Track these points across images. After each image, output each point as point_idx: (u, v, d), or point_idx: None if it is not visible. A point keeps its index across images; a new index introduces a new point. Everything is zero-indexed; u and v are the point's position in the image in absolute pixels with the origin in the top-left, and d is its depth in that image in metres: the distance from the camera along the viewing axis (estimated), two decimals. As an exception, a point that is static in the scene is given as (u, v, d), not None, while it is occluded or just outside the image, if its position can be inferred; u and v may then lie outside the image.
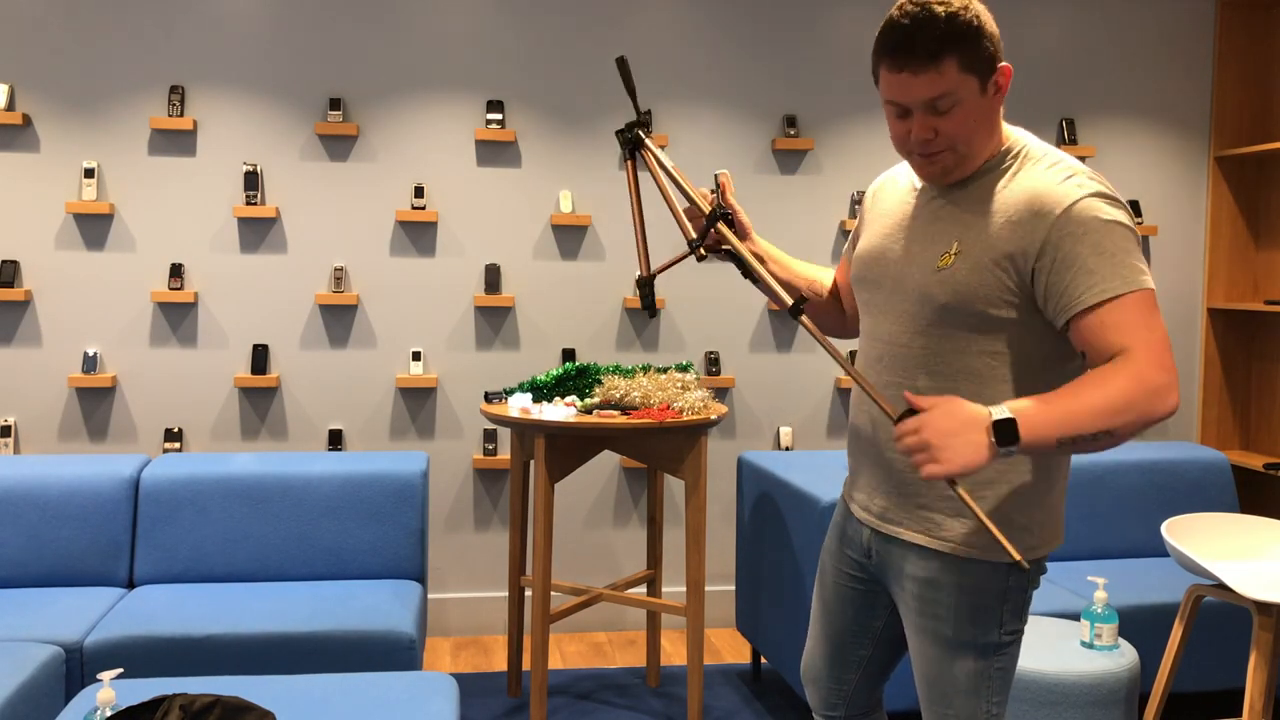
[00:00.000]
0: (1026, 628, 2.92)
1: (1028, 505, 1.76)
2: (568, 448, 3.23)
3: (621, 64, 1.85)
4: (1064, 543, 1.81)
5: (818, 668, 2.03)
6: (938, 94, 1.64)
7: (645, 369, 3.41)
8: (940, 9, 1.62)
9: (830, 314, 2.08)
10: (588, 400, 3.29)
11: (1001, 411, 1.57)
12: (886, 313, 1.80)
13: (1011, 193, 1.69)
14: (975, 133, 1.69)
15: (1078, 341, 1.65)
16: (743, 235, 1.96)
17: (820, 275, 2.08)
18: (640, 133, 1.90)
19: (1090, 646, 2.75)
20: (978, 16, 1.64)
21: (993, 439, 1.56)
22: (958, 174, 1.74)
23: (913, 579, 1.79)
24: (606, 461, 4.24)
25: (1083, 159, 4.46)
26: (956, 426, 1.56)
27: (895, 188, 1.90)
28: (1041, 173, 1.69)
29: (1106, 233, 1.62)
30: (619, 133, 1.91)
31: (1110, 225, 1.63)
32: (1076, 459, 3.78)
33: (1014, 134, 1.77)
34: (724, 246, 1.90)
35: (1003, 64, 1.68)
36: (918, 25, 1.62)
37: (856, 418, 1.89)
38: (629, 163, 1.94)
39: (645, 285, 1.97)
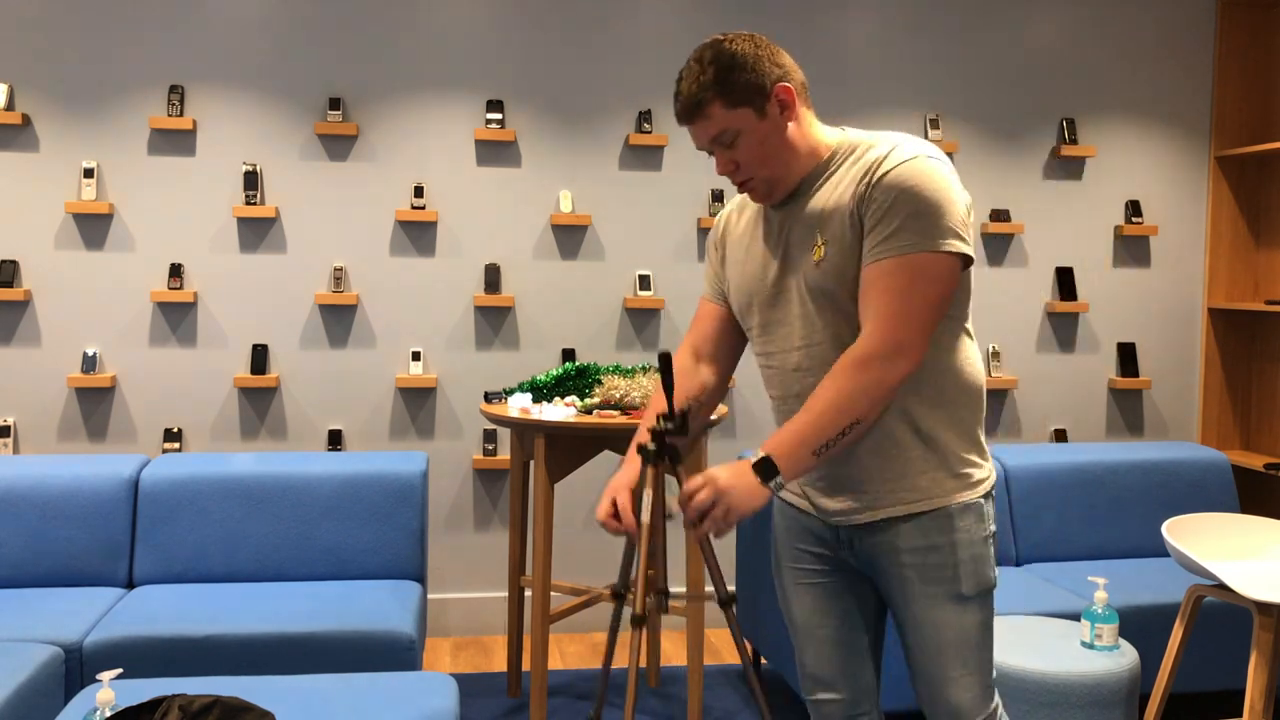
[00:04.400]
0: (1025, 626, 2.92)
1: (962, 445, 1.84)
2: (567, 448, 3.23)
3: (664, 360, 1.82)
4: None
5: (831, 673, 1.99)
6: (715, 134, 1.78)
7: (645, 369, 3.41)
8: (697, 62, 1.76)
9: (717, 390, 2.05)
10: (588, 400, 3.29)
11: (756, 455, 1.72)
12: (787, 324, 1.86)
13: (849, 178, 1.77)
14: (773, 155, 1.79)
15: (858, 294, 1.76)
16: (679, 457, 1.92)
17: (702, 381, 2.03)
18: (669, 450, 1.85)
19: (1090, 647, 2.75)
20: (734, 54, 1.74)
21: (759, 478, 1.70)
22: (780, 192, 1.83)
23: (909, 551, 1.83)
24: (606, 461, 4.24)
25: (1083, 159, 4.46)
26: (732, 479, 1.70)
27: (740, 218, 1.98)
28: (867, 152, 1.78)
29: (901, 197, 1.70)
30: (653, 437, 1.83)
31: (907, 190, 1.70)
32: (1077, 459, 3.78)
33: (845, 134, 1.84)
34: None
35: (779, 84, 1.76)
36: (683, 83, 1.78)
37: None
38: (651, 469, 1.87)
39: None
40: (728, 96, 1.75)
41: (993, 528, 1.88)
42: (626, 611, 4.52)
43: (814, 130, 1.83)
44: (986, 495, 1.86)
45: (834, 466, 1.87)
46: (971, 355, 1.86)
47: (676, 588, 4.29)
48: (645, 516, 2.13)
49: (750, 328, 1.94)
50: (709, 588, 3.99)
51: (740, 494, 1.70)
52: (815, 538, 1.95)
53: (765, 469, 1.71)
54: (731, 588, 4.35)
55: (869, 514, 1.85)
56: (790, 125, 1.79)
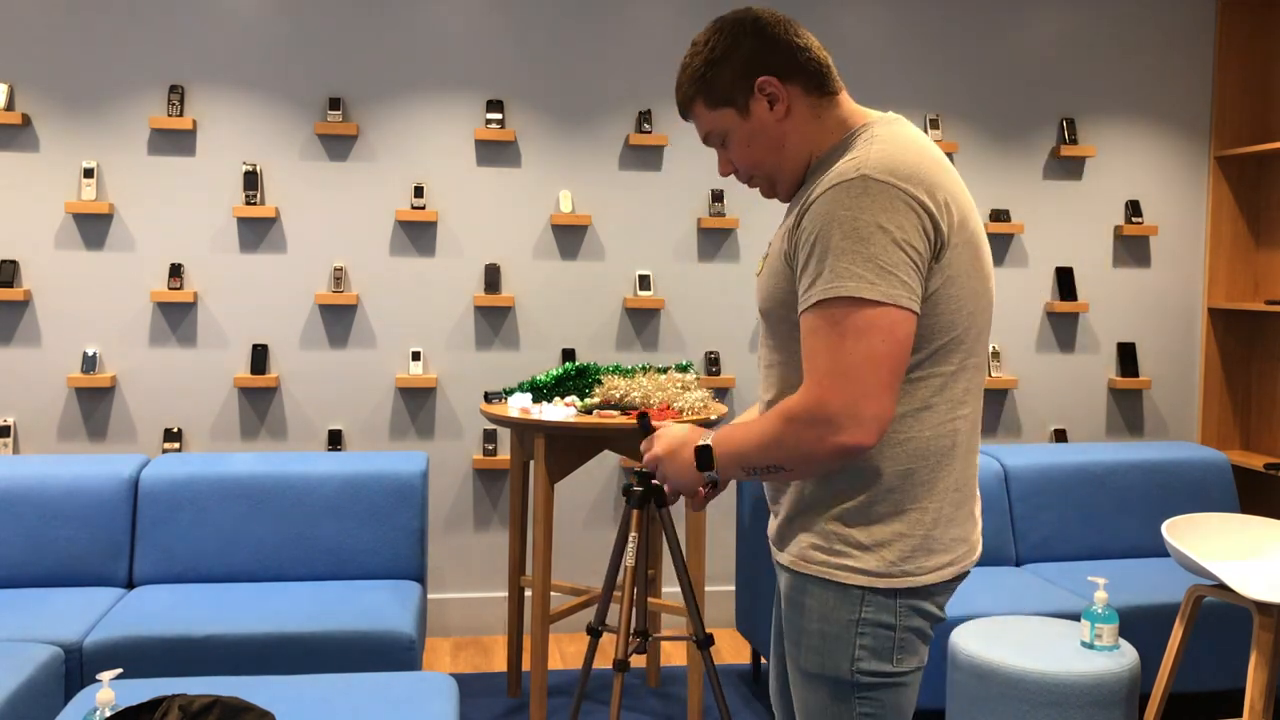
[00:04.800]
0: (1025, 626, 2.91)
1: (871, 517, 1.55)
2: (567, 448, 3.23)
3: (643, 420, 1.83)
4: (967, 566, 1.61)
5: (778, 707, 1.90)
6: (705, 134, 1.69)
7: (645, 369, 3.41)
8: (689, 58, 1.67)
9: None
10: (588, 400, 3.29)
11: (706, 438, 1.60)
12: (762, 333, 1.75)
13: (806, 189, 1.59)
14: (758, 154, 1.64)
15: None
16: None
17: None
18: (655, 492, 1.86)
19: (1090, 647, 2.75)
20: (714, 48, 1.62)
21: (696, 463, 1.60)
22: (785, 191, 1.68)
23: (782, 596, 1.66)
24: (606, 461, 4.24)
25: (1083, 159, 4.46)
26: (675, 446, 1.63)
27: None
28: (840, 160, 1.53)
29: (830, 227, 1.45)
30: (639, 480, 1.86)
31: (842, 218, 1.45)
32: (1077, 459, 3.78)
33: (860, 123, 1.61)
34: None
35: (760, 79, 1.59)
36: (677, 82, 1.70)
37: None
38: (636, 513, 1.91)
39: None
40: (708, 96, 1.63)
41: (885, 618, 1.54)
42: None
43: (822, 120, 1.62)
44: (874, 591, 1.54)
45: (769, 485, 1.75)
46: (925, 426, 1.55)
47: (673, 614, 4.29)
48: (630, 560, 2.16)
49: None
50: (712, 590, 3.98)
51: (674, 469, 1.64)
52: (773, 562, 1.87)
53: (703, 458, 1.60)
54: (731, 587, 4.35)
55: (774, 548, 1.71)
56: (784, 122, 1.61)
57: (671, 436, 1.66)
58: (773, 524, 1.72)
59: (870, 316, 1.42)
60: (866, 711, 1.57)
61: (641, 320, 4.24)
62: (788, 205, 1.77)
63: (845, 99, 1.65)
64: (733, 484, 4.32)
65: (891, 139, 1.53)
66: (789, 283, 1.56)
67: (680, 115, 1.74)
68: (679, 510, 4.30)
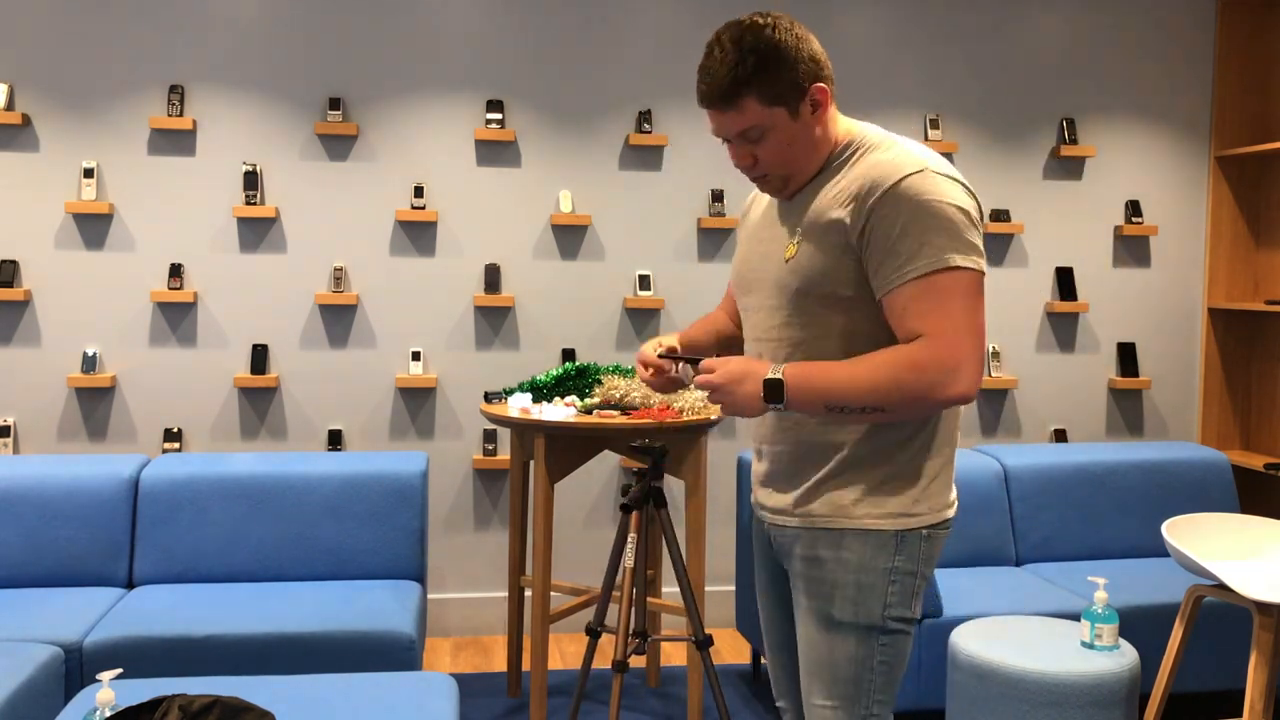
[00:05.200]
0: (1025, 626, 2.91)
1: (894, 473, 1.75)
2: (567, 448, 3.23)
3: (660, 455, 1.99)
4: (955, 510, 1.82)
5: (781, 685, 2.00)
6: (743, 128, 1.71)
7: (645, 369, 3.40)
8: (735, 46, 1.66)
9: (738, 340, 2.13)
10: (588, 400, 3.29)
11: (776, 371, 1.68)
12: (758, 311, 1.84)
13: (847, 179, 1.72)
14: (796, 154, 1.74)
15: (889, 323, 1.69)
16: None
17: (721, 325, 2.13)
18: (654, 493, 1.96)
19: (1090, 647, 2.75)
20: (778, 45, 1.66)
21: (763, 395, 1.68)
22: (794, 187, 1.79)
23: (800, 558, 1.80)
24: (606, 461, 4.24)
25: (1083, 159, 4.46)
26: (740, 375, 1.70)
27: (761, 201, 1.95)
28: (876, 157, 1.71)
29: (920, 211, 1.63)
30: (638, 479, 1.95)
31: (927, 203, 1.63)
32: (1077, 459, 3.78)
33: (857, 129, 1.78)
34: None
35: (817, 84, 1.69)
36: (716, 65, 1.67)
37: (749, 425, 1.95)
38: (634, 514, 2.02)
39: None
40: (766, 92, 1.68)
41: (911, 566, 1.75)
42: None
43: (834, 125, 1.77)
44: (909, 531, 1.75)
45: (768, 460, 1.86)
46: None
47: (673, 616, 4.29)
48: (629, 561, 2.19)
49: (737, 296, 1.94)
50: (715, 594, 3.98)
51: (738, 398, 1.71)
52: (763, 542, 1.95)
53: (773, 391, 1.68)
54: (731, 587, 4.35)
55: (782, 518, 1.83)
56: (821, 125, 1.74)
57: (733, 367, 1.72)
58: (779, 499, 1.82)
59: (970, 283, 1.64)
60: (884, 659, 1.76)
61: (641, 320, 4.24)
62: (771, 204, 1.86)
63: None
64: (732, 484, 4.32)
65: (900, 139, 1.76)
66: (842, 265, 1.69)
67: (710, 102, 1.71)
68: (679, 510, 4.31)
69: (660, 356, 1.95)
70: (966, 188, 1.69)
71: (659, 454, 2.39)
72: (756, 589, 2.03)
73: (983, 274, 1.66)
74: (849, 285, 1.70)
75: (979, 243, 1.67)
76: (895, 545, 1.73)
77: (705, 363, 1.76)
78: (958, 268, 1.62)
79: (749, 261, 1.88)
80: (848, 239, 1.68)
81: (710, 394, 1.75)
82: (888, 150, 1.71)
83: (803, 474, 1.79)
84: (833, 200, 1.72)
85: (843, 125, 1.78)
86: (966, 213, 1.65)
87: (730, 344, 2.10)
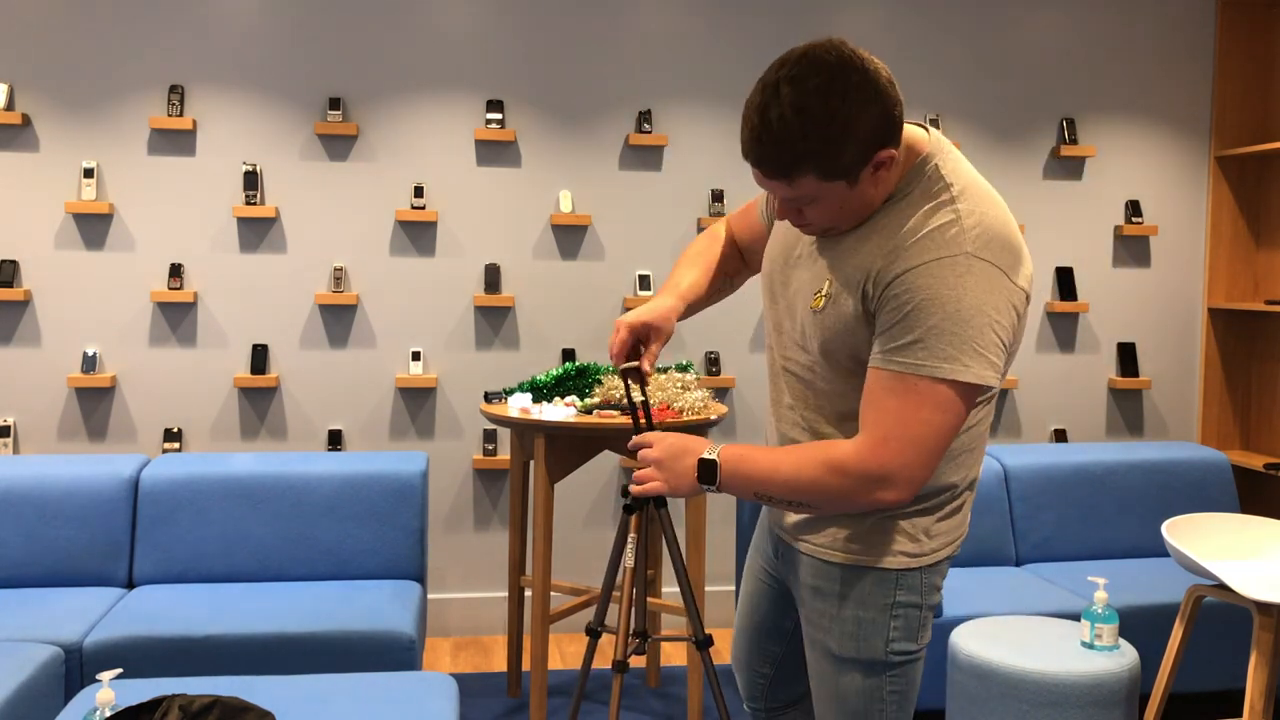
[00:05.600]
0: (1025, 626, 2.91)
1: (912, 509, 1.65)
2: (568, 448, 3.23)
3: (634, 374, 1.85)
4: (962, 545, 1.82)
5: (740, 658, 2.00)
6: (795, 196, 1.52)
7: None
8: (798, 116, 1.41)
9: (730, 273, 2.00)
10: (588, 400, 3.29)
11: (712, 451, 1.63)
12: (785, 334, 1.73)
13: (884, 233, 1.54)
14: (847, 215, 1.55)
15: None
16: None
17: (713, 275, 1.98)
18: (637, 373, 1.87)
19: (1090, 647, 2.75)
20: (846, 119, 1.42)
21: (698, 476, 1.63)
22: (840, 232, 1.61)
23: (805, 586, 1.73)
24: (606, 461, 4.24)
25: (1083, 159, 4.46)
26: (679, 451, 1.66)
27: None
28: (920, 215, 1.52)
29: (931, 306, 1.47)
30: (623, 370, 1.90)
31: (944, 297, 1.46)
32: (1077, 459, 3.78)
33: (920, 155, 1.56)
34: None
35: (884, 152, 1.47)
36: (769, 137, 1.44)
37: (766, 427, 1.87)
38: (635, 518, 2.16)
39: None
40: (825, 169, 1.46)
41: (915, 599, 1.66)
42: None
43: (897, 167, 1.55)
44: (906, 570, 1.65)
45: None
46: (973, 438, 1.65)
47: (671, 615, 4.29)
48: (629, 561, 2.18)
49: (765, 295, 1.80)
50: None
51: (673, 478, 1.67)
52: (769, 544, 1.90)
53: (706, 472, 1.63)
54: (731, 587, 4.35)
55: (787, 536, 1.77)
56: (881, 183, 1.53)
57: (672, 443, 1.69)
58: (791, 515, 1.75)
59: (953, 394, 1.49)
60: (895, 689, 1.68)
61: (641, 320, 4.23)
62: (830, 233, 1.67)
63: None
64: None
65: (972, 193, 1.53)
66: (860, 330, 1.56)
67: (758, 164, 1.49)
68: (678, 511, 4.31)
69: (623, 370, 1.84)
70: (1009, 277, 1.49)
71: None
72: (744, 568, 1.99)
73: (981, 386, 1.50)
74: (869, 350, 1.57)
75: (993, 354, 1.48)
76: (896, 580, 1.65)
77: (646, 436, 1.71)
78: (949, 379, 1.47)
79: (778, 274, 1.74)
80: (866, 307, 1.55)
81: (646, 467, 1.70)
82: (937, 208, 1.51)
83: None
84: (866, 257, 1.55)
85: (905, 143, 1.55)
86: (986, 314, 1.46)
87: (721, 290, 1.99)
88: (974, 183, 1.56)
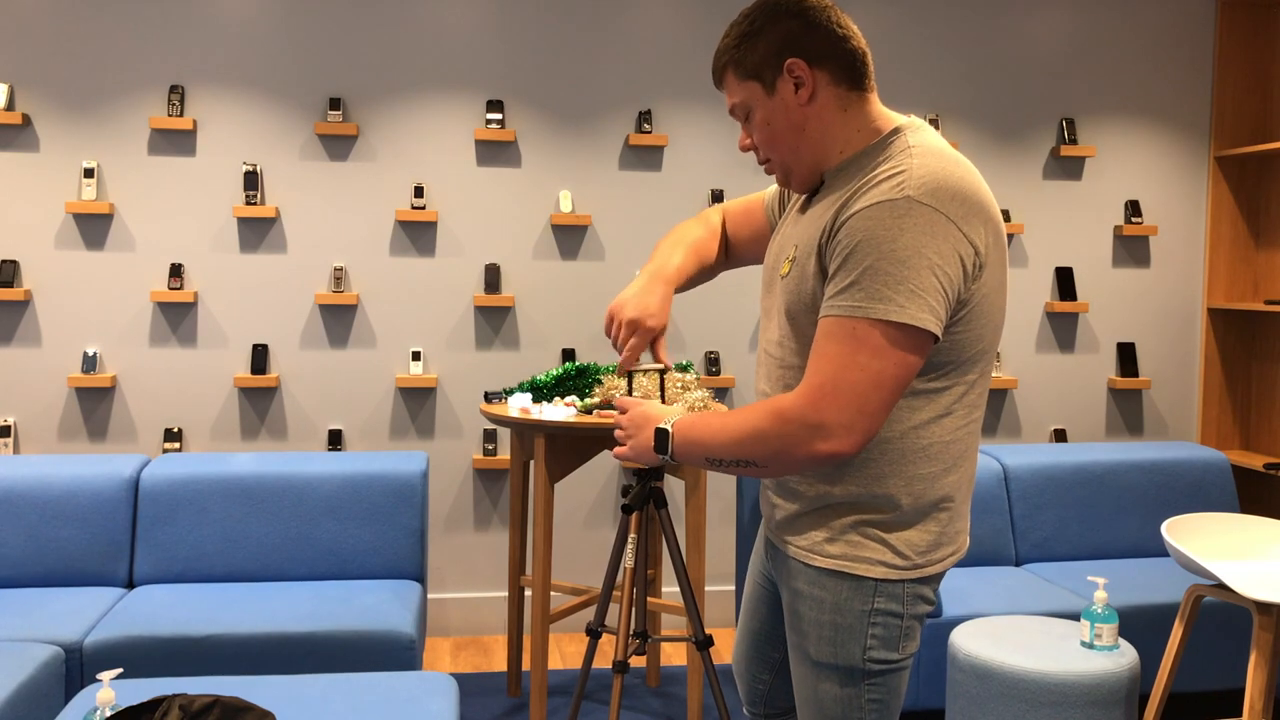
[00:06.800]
0: (1025, 626, 2.91)
1: (898, 521, 1.60)
2: (568, 448, 3.23)
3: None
4: (963, 554, 1.75)
5: (740, 663, 1.99)
6: (731, 104, 1.67)
7: (644, 370, 3.40)
8: (742, 15, 1.64)
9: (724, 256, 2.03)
10: (588, 400, 3.29)
11: (668, 422, 1.65)
12: (769, 315, 1.74)
13: (840, 190, 1.57)
14: (784, 135, 1.62)
15: None
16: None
17: (692, 262, 1.98)
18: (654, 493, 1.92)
19: (1090, 646, 2.75)
20: (754, 21, 1.61)
21: (655, 444, 1.66)
22: (797, 182, 1.67)
23: (788, 589, 1.70)
24: (606, 461, 4.24)
25: (1083, 159, 4.46)
26: (642, 421, 1.70)
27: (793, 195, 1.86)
28: (873, 172, 1.54)
29: (869, 246, 1.46)
30: (639, 480, 1.93)
31: (880, 238, 1.46)
32: (1077, 459, 3.78)
33: (891, 127, 1.60)
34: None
35: (790, 60, 1.57)
36: (716, 49, 1.71)
37: None
38: (634, 515, 2.03)
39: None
40: (739, 66, 1.62)
41: (896, 608, 1.60)
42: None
43: (848, 114, 1.60)
44: (888, 582, 1.59)
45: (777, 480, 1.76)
46: (946, 431, 1.59)
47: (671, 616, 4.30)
48: (629, 562, 2.18)
49: (762, 285, 1.82)
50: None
51: (637, 445, 1.71)
52: (764, 542, 1.88)
53: (661, 441, 1.66)
54: (731, 587, 4.35)
55: (774, 536, 1.74)
56: (807, 108, 1.59)
57: (640, 411, 1.72)
58: (778, 513, 1.72)
59: (892, 337, 1.45)
60: (874, 697, 1.64)
61: (641, 320, 4.23)
62: (803, 200, 1.72)
63: (876, 100, 1.64)
64: (732, 484, 4.32)
65: (930, 151, 1.53)
66: (819, 287, 1.56)
67: (714, 84, 1.73)
68: (678, 511, 4.31)
69: (643, 371, 1.92)
70: (957, 226, 1.47)
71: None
72: (749, 579, 1.97)
73: (919, 329, 1.45)
74: None
75: (932, 298, 1.45)
76: (875, 589, 1.60)
77: (618, 400, 1.76)
78: (881, 319, 1.44)
79: (768, 261, 1.79)
80: (821, 263, 1.55)
81: (616, 433, 1.76)
82: (898, 161, 1.52)
83: (795, 495, 1.67)
84: (821, 212, 1.58)
85: (879, 123, 1.61)
86: (925, 256, 1.45)
87: (696, 281, 2.00)
88: (939, 149, 1.55)
